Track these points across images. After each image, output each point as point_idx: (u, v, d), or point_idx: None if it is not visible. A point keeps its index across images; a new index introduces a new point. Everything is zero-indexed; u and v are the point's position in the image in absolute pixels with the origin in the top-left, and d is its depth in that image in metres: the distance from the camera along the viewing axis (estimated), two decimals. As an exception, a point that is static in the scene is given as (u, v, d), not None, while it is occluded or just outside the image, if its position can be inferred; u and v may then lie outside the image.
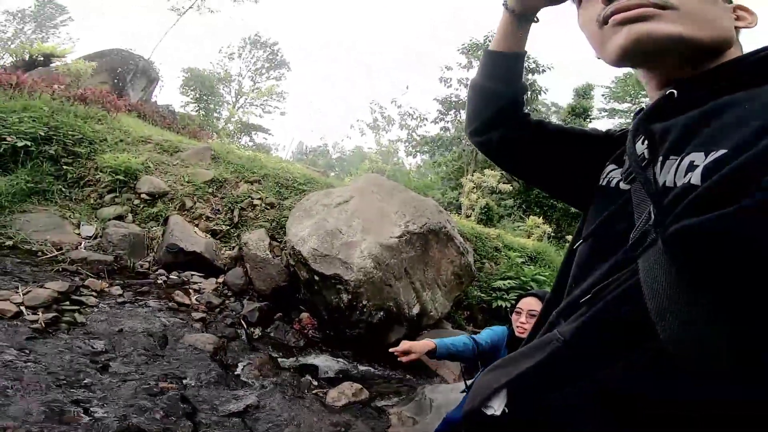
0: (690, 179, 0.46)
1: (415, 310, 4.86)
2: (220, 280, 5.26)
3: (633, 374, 0.47)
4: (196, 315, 4.34)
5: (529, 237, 12.78)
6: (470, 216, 11.53)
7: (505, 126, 0.85)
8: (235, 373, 3.59)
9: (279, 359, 4.09)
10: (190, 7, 19.50)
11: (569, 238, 11.77)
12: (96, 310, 3.81)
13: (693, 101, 0.54)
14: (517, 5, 0.79)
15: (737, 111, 0.48)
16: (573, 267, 0.66)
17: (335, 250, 4.85)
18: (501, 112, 0.84)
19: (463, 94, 16.21)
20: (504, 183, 11.39)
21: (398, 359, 1.88)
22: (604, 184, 0.67)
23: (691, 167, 0.47)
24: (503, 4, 0.82)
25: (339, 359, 4.45)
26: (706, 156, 0.46)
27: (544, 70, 15.06)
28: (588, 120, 21.47)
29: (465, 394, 2.25)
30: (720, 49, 0.58)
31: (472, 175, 11.40)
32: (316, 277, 4.76)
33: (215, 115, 22.58)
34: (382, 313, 4.63)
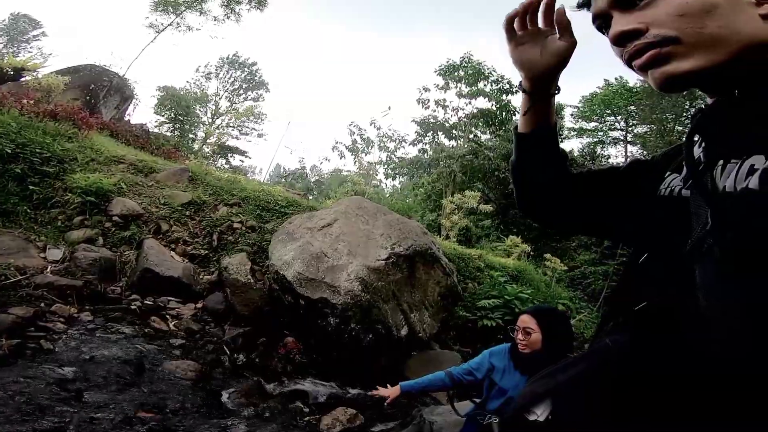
0: (748, 183, 0.44)
1: (404, 331, 4.77)
2: (199, 305, 5.03)
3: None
4: (175, 341, 4.11)
5: (509, 256, 12.95)
6: (449, 237, 11.62)
7: (546, 205, 0.88)
8: (221, 400, 3.39)
9: (266, 385, 3.89)
10: (169, 25, 19.31)
11: (547, 256, 12.03)
12: (64, 336, 3.55)
13: (755, 100, 0.51)
14: (529, 86, 0.80)
15: None
16: (631, 278, 0.64)
17: (321, 273, 4.73)
18: (538, 198, 0.88)
19: (441, 115, 16.59)
20: (484, 204, 11.58)
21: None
22: (665, 194, 0.64)
23: (751, 171, 0.45)
24: (518, 87, 0.83)
25: (329, 384, 4.27)
26: (767, 159, 0.44)
27: (517, 91, 15.55)
28: (559, 139, 22.19)
29: (465, 418, 2.20)
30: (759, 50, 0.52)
31: (453, 197, 11.53)
32: (302, 302, 4.61)
33: (191, 135, 22.17)
34: (371, 336, 4.51)
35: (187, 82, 29.21)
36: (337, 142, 14.52)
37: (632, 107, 27.48)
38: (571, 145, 28.52)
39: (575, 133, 28.40)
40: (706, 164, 0.52)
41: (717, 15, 0.53)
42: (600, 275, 15.98)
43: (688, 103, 25.04)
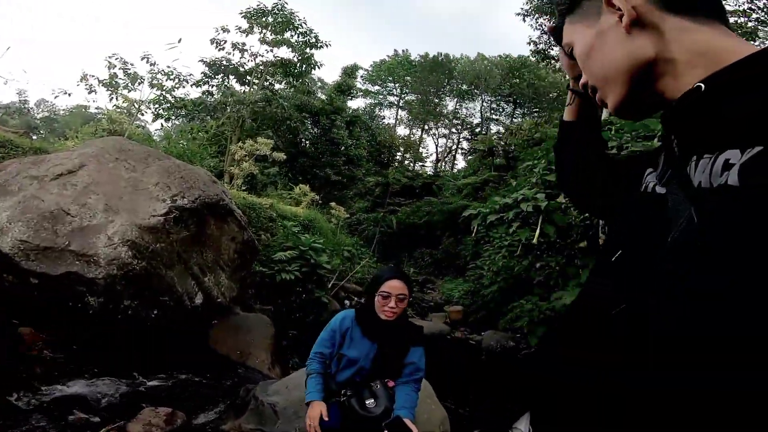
0: (727, 179, 0.43)
1: (199, 299, 4.07)
2: None
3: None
4: None
5: (297, 205, 13.00)
6: (233, 185, 10.68)
7: (577, 187, 0.94)
8: None
9: (13, 401, 2.63)
10: None
11: (332, 205, 12.72)
12: None
13: (723, 93, 0.49)
14: (571, 83, 0.87)
15: None
16: (603, 277, 0.62)
17: (62, 239, 3.46)
18: (572, 180, 0.93)
19: (236, 59, 14.82)
20: (278, 152, 11.05)
21: None
22: (642, 190, 0.61)
23: (727, 166, 0.44)
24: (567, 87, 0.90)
25: (114, 379, 3.24)
26: (742, 153, 0.43)
27: (321, 47, 15.24)
28: (350, 97, 23.56)
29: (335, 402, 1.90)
30: (650, 71, 0.55)
31: (243, 143, 10.49)
32: (35, 280, 3.29)
33: None
34: (156, 311, 3.66)
35: None
36: (86, 75, 10.69)
37: (408, 78, 31.70)
38: (357, 104, 31.94)
39: (362, 93, 31.09)
40: (679, 160, 0.51)
41: (593, 56, 0.60)
42: (371, 221, 18.10)
43: (444, 79, 30.87)
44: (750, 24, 9.44)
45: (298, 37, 14.88)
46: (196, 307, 4.04)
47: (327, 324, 2.01)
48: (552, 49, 14.31)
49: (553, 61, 15.08)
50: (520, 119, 26.48)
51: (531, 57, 19.49)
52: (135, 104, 10.46)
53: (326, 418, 1.75)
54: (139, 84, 11.34)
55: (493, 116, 31.25)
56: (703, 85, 0.49)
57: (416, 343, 1.94)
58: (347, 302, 10.27)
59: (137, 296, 3.55)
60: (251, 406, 2.77)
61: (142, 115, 11.76)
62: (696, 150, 0.49)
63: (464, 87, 31.22)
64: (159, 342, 3.68)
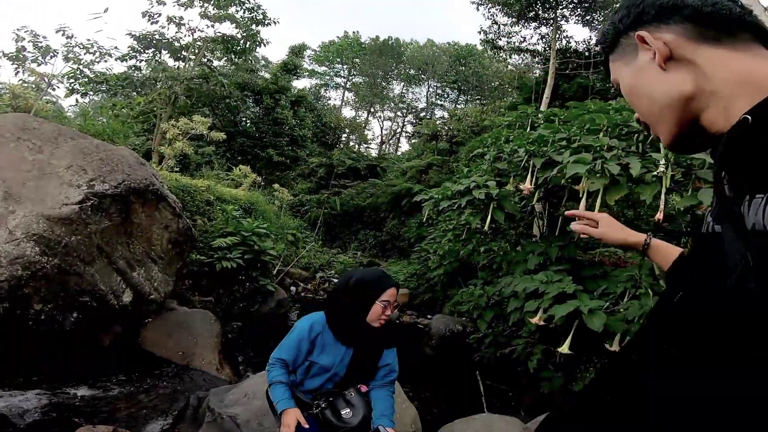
0: None
1: (127, 297, 3.65)
2: None
3: None
4: None
5: (237, 187, 12.30)
6: (162, 166, 9.85)
7: None
8: None
9: None
10: None
11: (276, 186, 12.24)
12: None
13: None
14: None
15: None
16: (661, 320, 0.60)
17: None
18: None
19: (171, 33, 13.46)
20: (217, 131, 10.34)
21: None
22: (704, 230, 0.60)
23: None
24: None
25: (35, 393, 2.80)
26: None
27: (269, 24, 14.29)
28: (296, 77, 22.88)
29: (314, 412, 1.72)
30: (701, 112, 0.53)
31: (177, 121, 9.59)
32: None
33: None
34: (76, 314, 3.20)
35: None
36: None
37: (357, 60, 31.59)
38: (303, 84, 31.13)
39: (308, 73, 30.57)
40: (733, 199, 0.50)
41: (637, 94, 0.59)
42: (314, 203, 17.72)
43: (393, 63, 30.99)
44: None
45: (244, 12, 13.98)
46: (125, 306, 3.62)
47: (291, 330, 1.81)
48: (500, 40, 14.64)
49: (500, 52, 15.48)
50: (463, 105, 27.26)
51: (479, 46, 19.89)
52: (46, 78, 9.12)
53: (305, 425, 1.61)
54: (52, 57, 9.91)
55: (438, 101, 31.83)
56: (749, 117, 0.46)
57: (390, 345, 1.86)
58: (293, 288, 9.99)
59: (51, 299, 3.09)
60: (208, 419, 2.47)
61: (53, 90, 10.34)
62: (748, 188, 0.47)
63: (412, 72, 31.55)
64: (86, 348, 3.26)
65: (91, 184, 3.62)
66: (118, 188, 3.78)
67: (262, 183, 13.64)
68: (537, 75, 16.20)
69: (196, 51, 14.03)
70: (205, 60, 14.66)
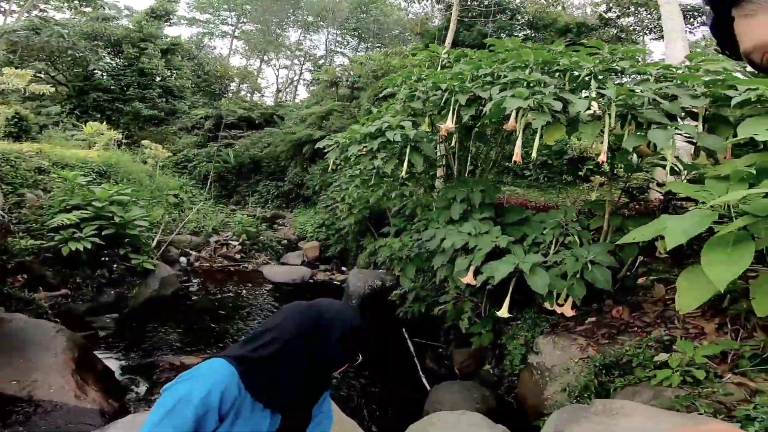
0: None
1: None
2: None
3: None
4: None
5: (90, 147, 10.01)
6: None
7: None
8: None
9: None
10: None
11: (145, 143, 10.20)
12: None
13: None
14: None
15: None
16: None
17: None
18: None
19: None
20: (45, 84, 8.18)
21: None
22: None
23: None
24: None
25: None
26: None
27: None
28: (168, 23, 20.30)
29: None
30: None
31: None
32: None
33: None
34: None
35: None
36: None
37: (248, 6, 29.10)
38: (182, 32, 29.12)
39: (187, 22, 28.56)
40: None
41: None
42: (203, 157, 15.56)
43: (290, 9, 27.55)
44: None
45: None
46: None
47: (173, 405, 0.92)
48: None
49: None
50: (363, 53, 26.35)
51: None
52: None
53: None
54: None
55: (338, 49, 30.72)
56: None
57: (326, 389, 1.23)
58: (183, 260, 8.57)
59: None
60: None
61: None
62: None
63: (310, 18, 29.61)
64: None
65: None
66: None
67: (125, 140, 11.42)
68: (436, 24, 15.85)
69: (22, 2, 11.47)
70: (37, 12, 13.23)
